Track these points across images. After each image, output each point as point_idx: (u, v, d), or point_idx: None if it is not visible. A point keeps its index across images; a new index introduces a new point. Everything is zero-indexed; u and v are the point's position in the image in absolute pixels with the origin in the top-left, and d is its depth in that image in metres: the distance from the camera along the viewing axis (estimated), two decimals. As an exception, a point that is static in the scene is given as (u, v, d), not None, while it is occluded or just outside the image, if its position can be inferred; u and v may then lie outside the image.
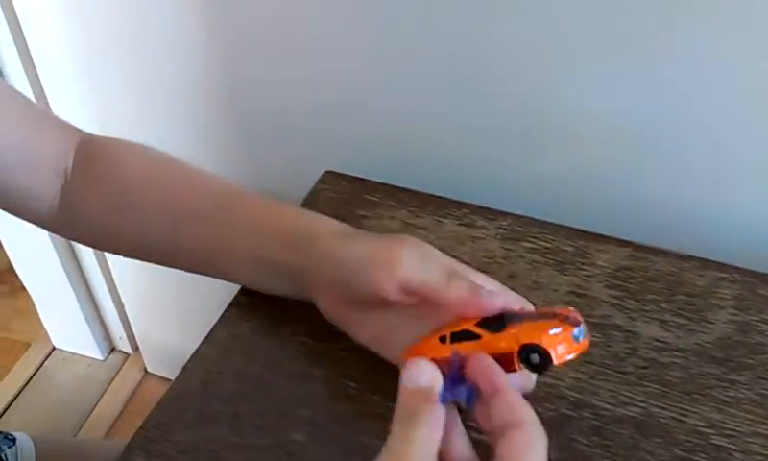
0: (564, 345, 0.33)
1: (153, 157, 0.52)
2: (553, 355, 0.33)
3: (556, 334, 0.33)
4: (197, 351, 0.48)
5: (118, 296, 1.16)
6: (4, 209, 0.51)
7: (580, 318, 0.35)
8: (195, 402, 0.45)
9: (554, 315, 0.35)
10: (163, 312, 1.13)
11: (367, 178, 0.64)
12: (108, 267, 1.13)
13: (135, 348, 1.26)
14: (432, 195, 0.62)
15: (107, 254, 1.10)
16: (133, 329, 1.21)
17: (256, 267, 0.47)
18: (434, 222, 0.59)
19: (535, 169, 0.64)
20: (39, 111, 0.53)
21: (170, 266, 0.51)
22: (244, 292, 0.52)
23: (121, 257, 1.07)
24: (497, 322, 0.36)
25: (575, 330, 0.34)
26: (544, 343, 0.33)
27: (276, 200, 0.49)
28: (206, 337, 0.49)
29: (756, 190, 0.58)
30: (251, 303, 0.51)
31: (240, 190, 0.50)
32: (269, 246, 0.46)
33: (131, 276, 1.11)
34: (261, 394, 0.45)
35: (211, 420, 0.44)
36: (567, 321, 0.34)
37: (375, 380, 0.45)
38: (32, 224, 0.53)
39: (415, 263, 0.40)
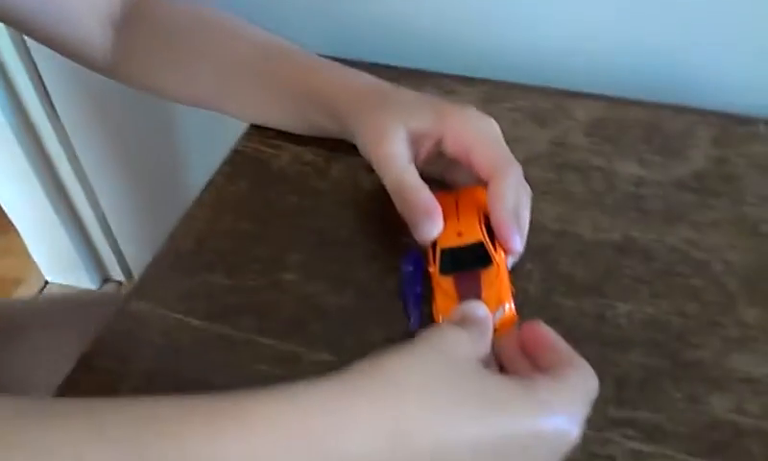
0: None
1: (199, 8, 0.54)
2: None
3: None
4: (186, 213, 0.49)
5: (107, 224, 1.17)
6: (65, 55, 0.54)
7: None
8: (189, 256, 0.46)
9: None
10: (155, 237, 1.13)
11: (345, 57, 0.64)
12: (95, 198, 1.13)
13: (129, 275, 1.27)
14: (411, 69, 0.62)
15: (93, 184, 1.10)
16: (126, 257, 1.22)
17: (299, 121, 0.51)
18: (414, 92, 0.59)
19: (511, 35, 0.64)
20: None
21: (220, 112, 0.54)
22: (228, 162, 0.53)
23: (108, 184, 1.07)
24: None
25: None
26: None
27: (314, 58, 0.51)
28: (195, 202, 0.50)
29: (726, 38, 0.58)
30: (235, 172, 0.52)
31: (282, 46, 0.52)
32: (307, 108, 0.49)
33: (119, 203, 1.12)
34: (253, 245, 0.46)
35: (206, 269, 0.45)
36: None
37: (365, 225, 0.47)
38: (92, 70, 0.55)
39: (403, 148, 0.42)
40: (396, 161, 0.42)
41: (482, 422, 0.28)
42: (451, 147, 0.42)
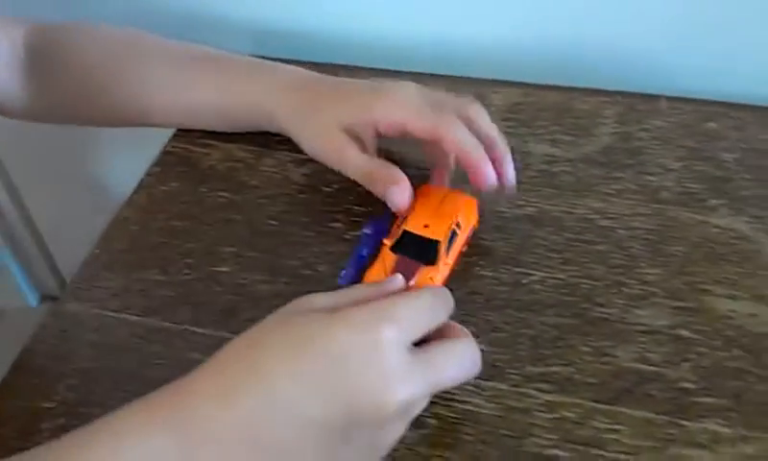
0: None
1: (110, 30, 0.55)
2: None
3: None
4: (118, 214, 0.50)
5: (42, 240, 1.15)
6: None
7: None
8: (122, 254, 0.47)
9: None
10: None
11: (266, 55, 0.65)
12: (27, 213, 1.11)
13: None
14: (335, 64, 0.64)
15: (24, 199, 1.08)
16: (62, 272, 1.20)
17: (233, 126, 0.54)
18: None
19: (429, 27, 0.67)
20: None
21: (151, 126, 0.55)
22: (158, 163, 0.54)
23: (39, 199, 1.06)
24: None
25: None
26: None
27: (240, 61, 0.53)
28: (126, 203, 0.51)
29: (631, 23, 0.62)
30: (165, 172, 0.53)
31: (202, 53, 0.53)
32: (239, 114, 0.52)
33: (52, 218, 1.10)
34: (186, 240, 0.48)
35: (140, 266, 0.46)
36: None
37: (294, 216, 0.49)
38: (2, 116, 0.55)
39: (350, 142, 0.46)
40: (353, 157, 0.45)
41: (296, 361, 0.30)
42: (387, 130, 0.46)
